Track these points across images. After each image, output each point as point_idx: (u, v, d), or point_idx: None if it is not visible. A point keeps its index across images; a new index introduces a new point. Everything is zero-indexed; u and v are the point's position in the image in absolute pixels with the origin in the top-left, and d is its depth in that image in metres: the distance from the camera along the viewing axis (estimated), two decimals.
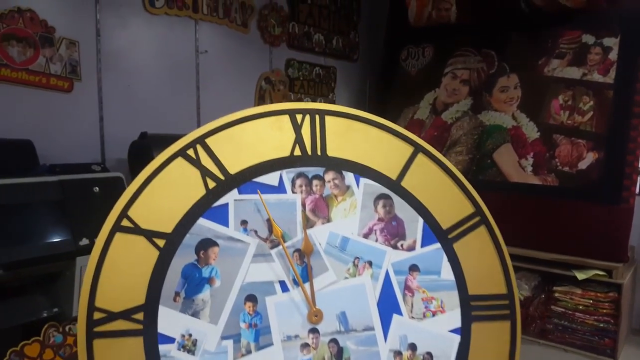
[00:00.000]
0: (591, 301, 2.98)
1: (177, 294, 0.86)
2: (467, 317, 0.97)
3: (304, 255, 0.92)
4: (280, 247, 0.91)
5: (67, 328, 1.92)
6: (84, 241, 2.25)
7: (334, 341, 0.91)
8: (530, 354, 1.20)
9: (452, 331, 0.96)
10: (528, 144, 3.15)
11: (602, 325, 2.98)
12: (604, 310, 2.98)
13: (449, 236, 0.99)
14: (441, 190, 1.01)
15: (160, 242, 0.86)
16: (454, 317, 0.96)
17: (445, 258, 0.98)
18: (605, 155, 3.05)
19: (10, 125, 2.28)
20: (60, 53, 2.36)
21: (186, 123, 2.54)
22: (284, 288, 0.91)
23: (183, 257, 0.87)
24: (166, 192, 0.88)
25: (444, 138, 3.02)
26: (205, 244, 0.88)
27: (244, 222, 0.91)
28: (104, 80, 2.39)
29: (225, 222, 0.90)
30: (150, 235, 0.86)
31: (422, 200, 0.99)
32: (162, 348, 0.84)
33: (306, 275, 0.91)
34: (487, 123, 3.15)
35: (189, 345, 0.85)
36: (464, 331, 0.96)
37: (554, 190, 3.02)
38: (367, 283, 0.94)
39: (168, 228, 0.87)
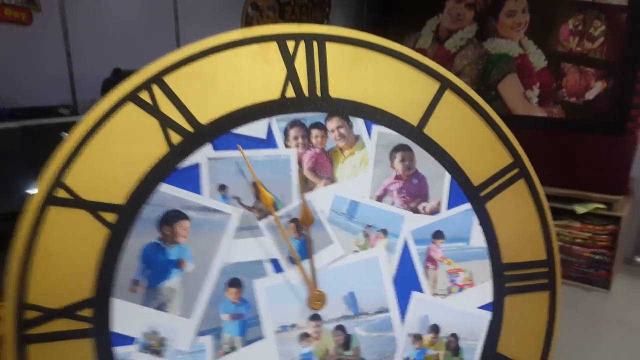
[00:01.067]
0: (589, 234, 3.00)
1: (136, 282, 0.66)
2: (500, 290, 0.80)
3: (302, 226, 0.71)
4: (271, 217, 0.70)
5: None
6: None
7: (341, 328, 0.74)
8: None
9: (482, 307, 0.79)
10: (534, 74, 2.95)
11: (597, 257, 3.01)
12: (601, 243, 3.00)
13: (481, 194, 0.79)
14: (473, 137, 0.79)
15: (110, 217, 0.64)
16: (485, 291, 0.79)
17: (475, 221, 0.79)
18: (614, 85, 2.92)
19: None
20: None
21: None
22: (277, 268, 0.71)
23: (142, 235, 0.66)
24: (114, 151, 0.65)
25: (447, 69, 2.77)
26: (171, 217, 0.67)
27: (222, 188, 0.69)
28: (67, 10, 2.04)
29: (196, 188, 0.68)
30: (95, 208, 0.64)
31: (449, 151, 0.78)
32: (120, 351, 0.65)
33: (305, 250, 0.72)
34: (493, 52, 2.92)
35: (155, 345, 0.67)
36: (496, 306, 0.80)
37: (559, 123, 2.89)
38: (381, 256, 0.75)
39: (119, 198, 0.65)
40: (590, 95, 2.96)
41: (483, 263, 0.79)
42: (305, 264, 0.71)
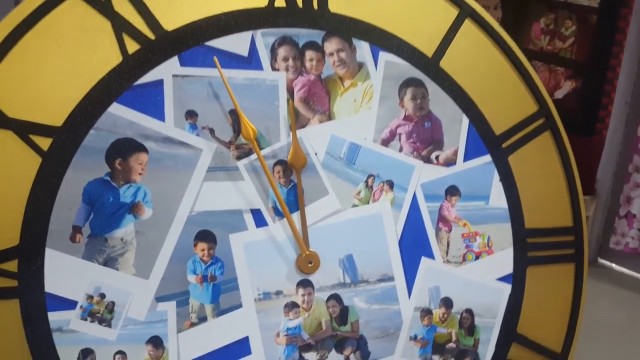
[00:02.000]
0: None
1: (77, 229, 0.51)
2: (522, 260, 0.68)
3: (291, 170, 0.58)
4: (253, 156, 0.57)
5: None
6: None
7: (336, 298, 0.60)
8: None
9: (501, 279, 0.67)
10: None
11: None
12: None
13: (504, 145, 0.67)
14: (495, 78, 0.67)
15: (44, 143, 0.50)
16: (505, 260, 0.67)
17: (496, 177, 0.67)
18: (583, 85, 2.92)
19: None
20: None
21: None
22: (260, 221, 0.58)
23: (85, 168, 0.51)
24: (52, 58, 0.50)
25: None
26: (124, 148, 0.52)
27: (191, 115, 0.55)
28: None
29: (158, 113, 0.54)
30: (24, 129, 0.49)
31: (468, 90, 0.65)
32: (55, 317, 0.51)
33: (295, 201, 0.58)
34: None
35: (102, 311, 0.52)
36: (517, 279, 0.67)
37: None
38: (385, 213, 0.62)
39: (56, 119, 0.50)
40: (559, 95, 2.96)
41: (504, 227, 0.67)
42: (294, 217, 0.58)
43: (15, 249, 0.49)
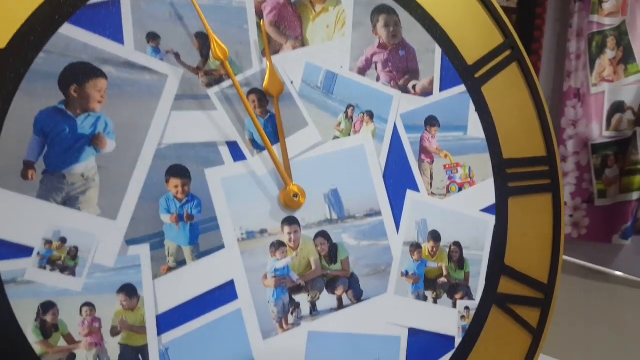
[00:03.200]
0: None
1: (29, 165, 0.44)
2: (503, 190, 0.67)
3: (268, 96, 0.54)
4: (224, 84, 0.52)
5: None
6: None
7: (324, 235, 0.57)
8: None
9: (484, 210, 0.66)
10: None
11: None
12: None
13: (476, 75, 0.67)
14: (464, 9, 0.67)
15: None
16: (487, 191, 0.66)
17: (472, 107, 0.66)
18: None
19: None
20: None
21: None
22: (237, 154, 0.53)
23: (35, 95, 0.45)
24: None
25: None
26: (80, 73, 0.47)
27: (152, 37, 0.50)
28: None
29: (116, 35, 0.48)
30: None
31: (439, 21, 0.65)
32: (8, 266, 0.43)
33: (273, 132, 0.54)
34: None
35: (63, 258, 0.45)
36: (500, 210, 0.67)
37: None
38: (367, 144, 0.59)
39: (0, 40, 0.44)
40: None
41: (483, 158, 0.66)
42: (276, 149, 0.54)
43: None
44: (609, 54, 1.63)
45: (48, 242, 0.45)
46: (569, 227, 1.90)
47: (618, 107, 1.65)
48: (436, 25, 0.64)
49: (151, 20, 0.49)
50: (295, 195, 0.54)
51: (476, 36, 0.68)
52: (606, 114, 1.67)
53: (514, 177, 0.68)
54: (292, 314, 0.54)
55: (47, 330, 0.44)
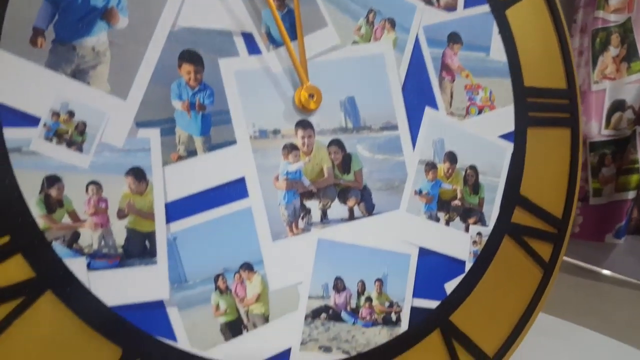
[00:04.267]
0: None
1: (38, 32, 0.42)
2: (523, 119, 0.65)
3: None
4: None
5: None
6: None
7: (338, 144, 0.55)
8: (561, 325, 0.96)
9: (502, 137, 0.64)
10: None
11: None
12: None
13: None
14: None
15: None
16: (507, 117, 0.64)
17: (495, 29, 0.64)
18: None
19: None
20: None
21: None
22: (252, 47, 0.51)
23: None
24: None
25: None
26: None
27: None
28: None
29: None
30: None
31: None
32: (13, 134, 0.42)
33: (290, 28, 0.52)
34: None
35: (70, 132, 0.44)
36: (519, 138, 0.65)
37: None
38: (387, 54, 0.57)
39: None
40: None
41: (504, 82, 0.64)
42: (293, 47, 0.52)
43: None
44: (613, 51, 1.59)
45: (55, 114, 0.43)
46: None
47: (618, 106, 1.62)
48: None
49: None
50: (312, 95, 0.52)
51: None
52: (606, 112, 1.64)
53: (534, 107, 0.66)
54: (302, 219, 0.53)
55: (51, 204, 0.43)
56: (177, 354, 0.47)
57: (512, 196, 0.64)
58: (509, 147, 0.64)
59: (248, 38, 0.51)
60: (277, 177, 0.52)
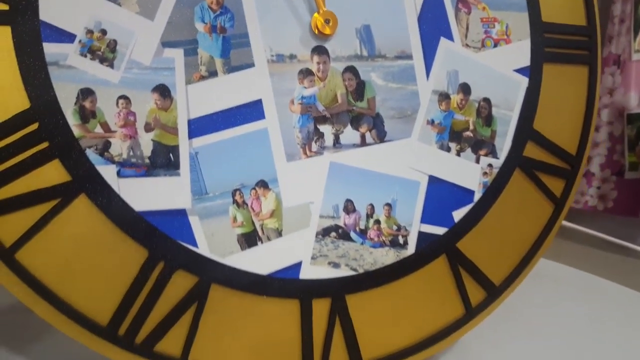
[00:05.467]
0: None
1: None
2: (539, 54, 0.65)
3: None
4: None
5: None
6: None
7: (352, 71, 0.57)
8: (564, 270, 0.97)
9: (517, 71, 0.64)
10: None
11: None
12: None
13: None
14: None
15: None
16: (522, 51, 0.65)
17: None
18: None
19: None
20: None
21: None
22: None
23: None
24: None
25: None
26: None
27: None
28: None
29: None
30: None
31: None
32: (51, 49, 0.46)
33: None
34: None
35: (103, 49, 0.47)
36: (534, 73, 0.65)
37: None
38: None
39: None
40: None
41: (521, 16, 0.64)
42: None
43: None
44: None
45: (89, 32, 0.47)
46: (594, 199, 1.84)
47: None
48: None
49: None
50: (327, 20, 0.54)
51: None
52: None
53: (551, 43, 0.66)
54: (315, 142, 0.56)
55: (85, 115, 0.47)
56: (197, 258, 0.51)
57: (525, 130, 0.65)
58: (523, 81, 0.65)
59: None
60: (293, 101, 0.55)
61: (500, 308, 0.66)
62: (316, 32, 0.54)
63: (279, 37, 0.53)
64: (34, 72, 0.45)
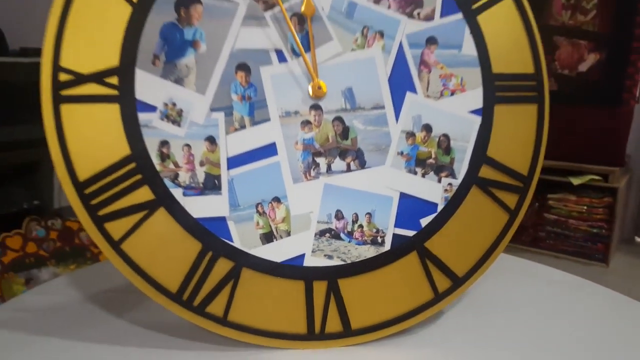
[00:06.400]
0: (585, 207, 3.05)
1: (156, 56, 0.74)
2: (490, 98, 0.85)
3: (304, 20, 0.78)
4: (275, 10, 0.78)
5: (49, 222, 1.87)
6: None
7: (339, 119, 0.81)
8: (520, 262, 1.14)
9: (472, 112, 0.85)
10: None
11: (595, 230, 3.03)
12: (598, 216, 3.05)
13: (473, 7, 0.84)
14: None
15: None
16: (475, 97, 0.85)
17: (467, 31, 0.84)
18: (607, 55, 2.96)
19: None
20: None
21: None
22: (281, 58, 0.79)
23: (161, 14, 0.74)
24: None
25: None
26: (187, 1, 0.75)
27: None
28: None
29: None
30: None
31: None
32: (143, 117, 0.74)
33: (307, 44, 0.79)
34: None
35: (174, 115, 0.75)
36: (486, 113, 0.85)
37: (553, 95, 2.90)
38: (377, 56, 0.81)
39: None
40: (583, 67, 2.98)
41: (474, 70, 0.85)
42: (308, 56, 0.78)
43: (116, 69, 0.73)
44: None
45: (165, 104, 0.75)
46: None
47: None
48: None
49: None
50: (319, 87, 0.78)
51: None
52: None
53: (502, 89, 0.86)
54: (313, 170, 0.80)
55: (163, 157, 0.75)
56: (233, 250, 0.77)
57: (480, 156, 0.85)
58: (477, 120, 0.85)
59: (279, 52, 0.78)
60: (297, 142, 0.79)
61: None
62: (312, 95, 0.79)
63: (286, 100, 0.79)
64: (132, 131, 0.74)
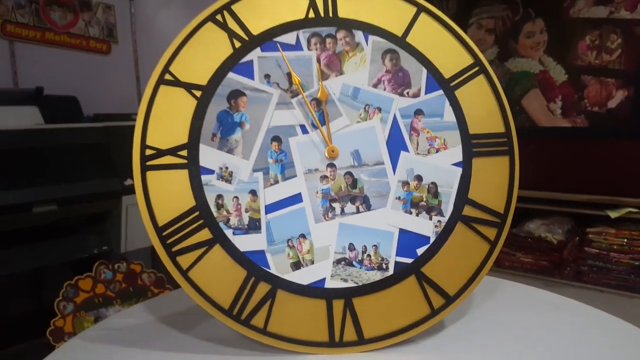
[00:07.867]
0: (625, 240, 2.93)
1: (214, 134, 1.03)
2: (468, 153, 1.09)
3: (320, 102, 1.06)
4: (300, 96, 1.06)
5: (116, 266, 2.19)
6: (128, 181, 2.50)
7: (349, 174, 1.06)
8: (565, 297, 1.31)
9: (454, 164, 1.08)
10: (556, 87, 3.17)
11: (637, 263, 2.94)
12: (639, 248, 2.94)
13: (451, 84, 1.10)
14: (443, 45, 1.11)
15: (197, 93, 1.03)
16: (456, 153, 1.09)
17: (447, 103, 1.09)
18: (635, 92, 3.06)
19: (57, 84, 2.52)
20: (98, 17, 2.58)
21: None
22: (304, 130, 1.06)
23: (217, 104, 1.03)
24: (200, 52, 1.04)
25: None
26: (235, 94, 1.04)
27: (267, 76, 1.05)
28: (138, 42, 2.60)
29: (251, 76, 1.05)
30: (188, 87, 1.03)
31: (425, 53, 1.10)
32: (204, 178, 1.02)
33: (323, 119, 1.06)
34: (514, 70, 3.17)
35: (226, 176, 1.03)
36: (465, 165, 1.08)
37: (584, 132, 3.03)
38: (377, 126, 1.08)
39: (203, 81, 1.03)
40: (612, 104, 3.10)
41: (454, 133, 1.09)
42: (324, 128, 1.05)
43: (186, 144, 1.02)
44: None
45: (220, 168, 1.03)
46: None
47: None
48: (423, 56, 1.10)
49: (266, 67, 1.05)
50: (333, 150, 1.05)
51: (452, 59, 1.11)
52: None
53: (478, 145, 1.10)
54: (330, 212, 1.05)
55: (219, 206, 1.02)
56: (270, 275, 1.02)
57: (462, 199, 1.08)
58: (458, 171, 1.08)
59: (302, 126, 1.06)
60: (317, 192, 1.05)
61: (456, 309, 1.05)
62: (327, 156, 1.05)
63: (308, 160, 1.05)
64: (197, 188, 1.02)
